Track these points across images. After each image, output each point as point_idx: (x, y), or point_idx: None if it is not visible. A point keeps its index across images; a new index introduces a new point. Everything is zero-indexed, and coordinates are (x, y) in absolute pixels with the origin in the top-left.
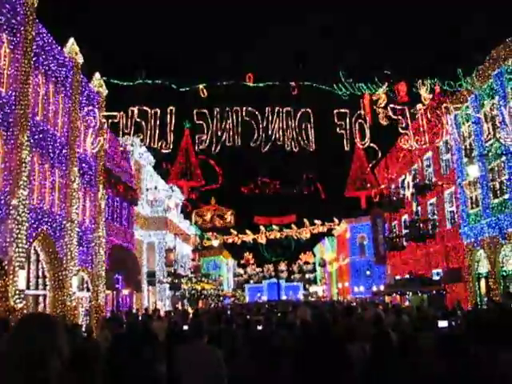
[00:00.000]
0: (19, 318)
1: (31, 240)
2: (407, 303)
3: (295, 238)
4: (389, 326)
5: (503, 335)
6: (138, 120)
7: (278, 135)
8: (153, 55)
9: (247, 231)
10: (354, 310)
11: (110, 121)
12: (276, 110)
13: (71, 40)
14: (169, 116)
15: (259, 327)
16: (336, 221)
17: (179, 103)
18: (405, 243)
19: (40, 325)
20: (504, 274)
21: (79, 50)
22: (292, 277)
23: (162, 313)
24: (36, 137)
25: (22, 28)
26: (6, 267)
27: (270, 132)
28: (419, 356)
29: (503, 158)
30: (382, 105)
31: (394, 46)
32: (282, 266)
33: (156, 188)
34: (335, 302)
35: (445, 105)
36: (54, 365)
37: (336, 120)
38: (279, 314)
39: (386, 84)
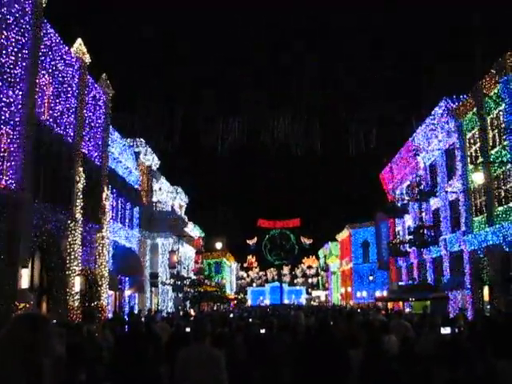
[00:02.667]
0: (12, 317)
1: (35, 239)
2: (407, 310)
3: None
4: (391, 330)
5: (503, 344)
6: (145, 121)
7: (283, 138)
8: (162, 55)
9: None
10: (354, 315)
11: (116, 121)
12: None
13: (79, 40)
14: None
15: (262, 330)
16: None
17: (186, 104)
18: (408, 249)
19: (29, 324)
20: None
21: (87, 50)
22: (295, 281)
23: (164, 314)
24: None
25: (30, 28)
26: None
27: (276, 134)
28: (419, 361)
29: (508, 166)
30: None
31: (396, 52)
32: (285, 270)
33: (160, 189)
34: (337, 308)
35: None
36: (39, 361)
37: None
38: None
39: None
